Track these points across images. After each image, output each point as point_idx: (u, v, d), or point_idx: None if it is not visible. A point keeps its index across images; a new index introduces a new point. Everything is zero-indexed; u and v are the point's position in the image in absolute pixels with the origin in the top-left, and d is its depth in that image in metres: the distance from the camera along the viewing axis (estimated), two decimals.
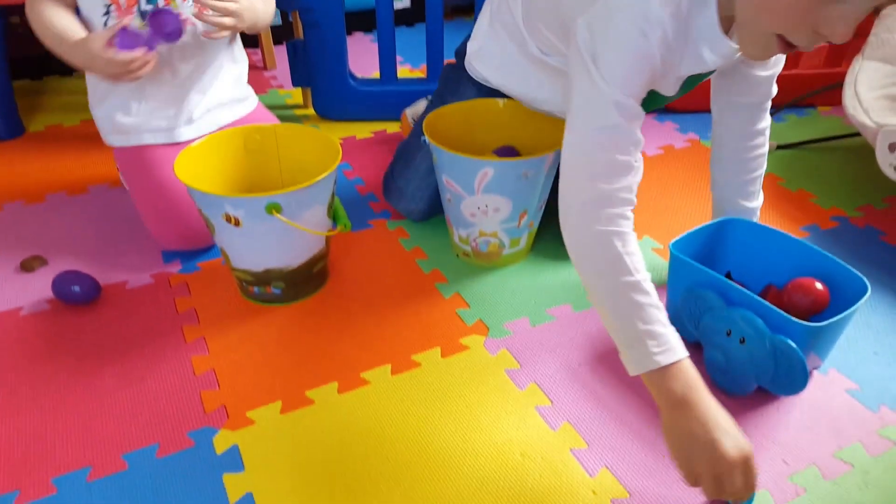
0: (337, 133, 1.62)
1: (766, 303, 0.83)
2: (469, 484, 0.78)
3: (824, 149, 1.54)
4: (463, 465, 0.80)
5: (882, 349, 0.98)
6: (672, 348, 0.70)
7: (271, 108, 1.78)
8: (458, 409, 0.88)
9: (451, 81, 1.21)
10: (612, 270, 0.72)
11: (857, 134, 1.50)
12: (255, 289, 1.04)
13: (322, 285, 1.10)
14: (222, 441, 0.83)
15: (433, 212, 1.24)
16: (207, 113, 1.21)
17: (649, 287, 0.73)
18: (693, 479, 0.69)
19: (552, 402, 0.89)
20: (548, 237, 1.19)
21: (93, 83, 1.16)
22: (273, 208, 0.91)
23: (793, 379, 0.82)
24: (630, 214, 0.76)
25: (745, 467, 0.66)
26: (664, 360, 0.69)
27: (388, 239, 1.22)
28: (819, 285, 0.90)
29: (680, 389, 0.68)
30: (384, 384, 0.91)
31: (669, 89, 0.84)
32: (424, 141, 1.06)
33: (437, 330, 1.01)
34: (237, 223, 0.93)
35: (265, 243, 0.97)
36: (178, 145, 1.16)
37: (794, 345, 0.80)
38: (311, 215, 0.96)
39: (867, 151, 1.47)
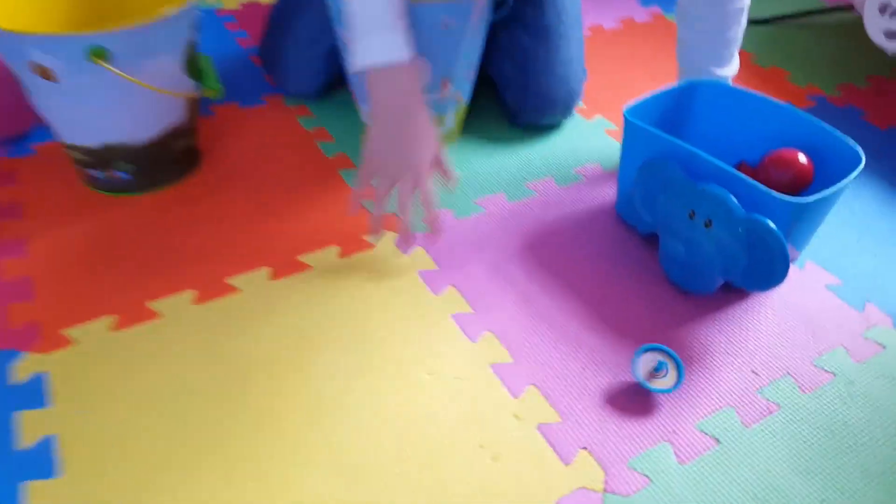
0: None
1: (740, 174, 0.66)
2: (362, 415, 0.62)
3: (801, 25, 1.38)
4: (355, 391, 0.64)
5: (865, 237, 0.85)
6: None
7: None
8: (353, 319, 0.71)
9: None
10: None
11: (836, 9, 1.33)
12: (97, 173, 0.81)
13: (189, 171, 0.88)
14: (23, 368, 0.63)
15: (334, 87, 1.04)
16: None
17: None
18: (376, 185, 0.71)
19: (473, 308, 0.72)
20: (482, 117, 1.02)
21: None
22: (96, 53, 0.68)
23: (770, 270, 0.66)
24: None
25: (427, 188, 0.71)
26: (407, 55, 0.70)
27: (283, 118, 1.01)
28: (802, 158, 0.74)
29: (415, 90, 0.70)
30: (258, 292, 0.72)
31: None
32: None
33: (336, 225, 0.82)
34: (51, 76, 0.69)
35: (95, 106, 0.74)
36: None
37: (773, 226, 0.64)
38: (155, 68, 0.74)
39: (848, 28, 1.34)
